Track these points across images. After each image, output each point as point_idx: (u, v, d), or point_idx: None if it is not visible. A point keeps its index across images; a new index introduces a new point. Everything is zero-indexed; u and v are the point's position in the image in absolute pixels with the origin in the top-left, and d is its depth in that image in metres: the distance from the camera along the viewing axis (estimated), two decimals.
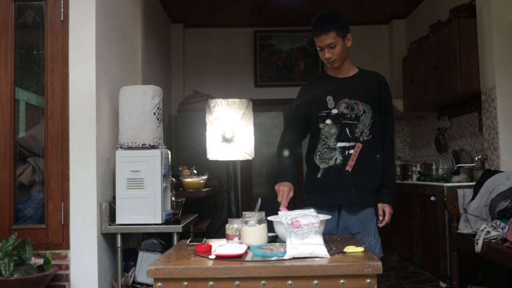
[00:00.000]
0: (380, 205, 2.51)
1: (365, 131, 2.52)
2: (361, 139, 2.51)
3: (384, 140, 2.58)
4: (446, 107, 5.27)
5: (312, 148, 2.59)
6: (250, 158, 3.81)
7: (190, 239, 2.36)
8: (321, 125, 2.55)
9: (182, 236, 3.13)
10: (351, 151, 2.50)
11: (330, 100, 2.56)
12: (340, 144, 2.51)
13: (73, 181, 2.99)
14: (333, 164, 2.51)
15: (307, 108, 2.60)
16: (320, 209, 2.33)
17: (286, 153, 2.61)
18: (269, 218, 2.31)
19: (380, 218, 2.49)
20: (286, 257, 1.91)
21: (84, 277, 2.97)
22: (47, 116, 3.02)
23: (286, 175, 2.54)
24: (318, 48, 2.54)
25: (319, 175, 2.53)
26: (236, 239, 2.22)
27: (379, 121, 2.55)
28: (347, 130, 2.51)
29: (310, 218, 2.05)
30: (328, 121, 2.54)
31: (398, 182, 5.15)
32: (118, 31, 3.64)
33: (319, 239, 1.98)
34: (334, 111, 2.53)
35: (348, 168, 2.50)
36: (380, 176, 2.54)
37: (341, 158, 2.51)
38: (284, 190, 2.46)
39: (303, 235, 1.98)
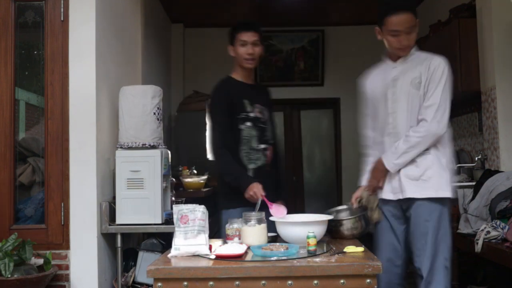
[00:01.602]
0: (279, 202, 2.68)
1: (271, 135, 2.88)
2: (270, 142, 2.86)
3: (277, 145, 2.95)
4: None
5: (233, 149, 2.74)
6: None
7: None
8: (242, 127, 2.76)
9: None
10: (267, 152, 2.81)
11: (246, 103, 2.79)
12: (262, 146, 2.78)
13: (73, 181, 2.99)
14: (261, 164, 2.78)
15: (226, 111, 2.75)
16: (242, 207, 2.55)
17: (229, 158, 2.72)
18: (270, 218, 2.31)
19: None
20: (169, 256, 2.05)
21: (84, 277, 2.97)
22: (47, 116, 3.02)
23: (248, 178, 2.67)
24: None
25: (250, 174, 2.73)
26: (236, 239, 2.23)
27: (274, 128, 2.94)
28: (265, 133, 2.81)
29: (197, 214, 2.12)
30: (248, 123, 2.76)
31: None
32: (118, 31, 3.63)
33: (202, 239, 2.07)
34: (252, 114, 2.78)
35: (268, 168, 2.81)
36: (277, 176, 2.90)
37: (264, 159, 2.79)
38: (259, 187, 2.57)
39: (187, 233, 2.07)
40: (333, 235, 2.41)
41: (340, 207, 2.68)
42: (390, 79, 2.51)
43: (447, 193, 2.41)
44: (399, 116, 2.47)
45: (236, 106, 2.75)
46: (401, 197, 2.45)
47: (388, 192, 2.50)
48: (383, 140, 2.55)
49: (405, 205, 2.47)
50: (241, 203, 2.60)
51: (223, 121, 2.75)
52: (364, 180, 2.64)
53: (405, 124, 2.46)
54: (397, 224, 2.52)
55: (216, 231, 2.84)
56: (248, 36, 2.77)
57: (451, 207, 2.51)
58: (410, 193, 2.42)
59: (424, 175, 2.41)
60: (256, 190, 2.56)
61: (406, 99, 2.45)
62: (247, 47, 2.77)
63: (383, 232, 2.56)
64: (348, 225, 2.40)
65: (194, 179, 4.29)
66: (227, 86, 2.83)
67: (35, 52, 3.18)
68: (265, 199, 2.50)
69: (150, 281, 2.98)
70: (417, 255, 2.41)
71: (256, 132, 2.77)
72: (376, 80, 2.60)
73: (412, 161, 2.43)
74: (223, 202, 2.82)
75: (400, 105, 2.47)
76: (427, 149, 2.42)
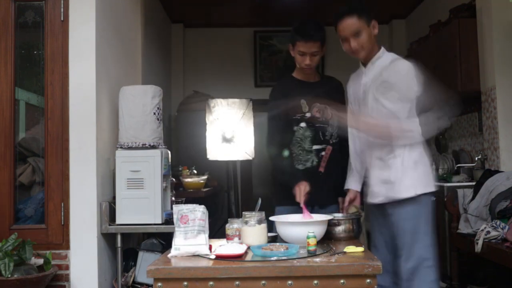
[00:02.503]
0: (340, 199, 2.74)
1: (333, 134, 2.74)
2: (331, 142, 2.74)
3: (341, 141, 2.76)
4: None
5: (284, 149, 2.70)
6: (250, 158, 3.82)
7: None
8: (295, 128, 2.70)
9: None
10: (323, 153, 2.72)
11: (304, 103, 2.71)
12: (315, 147, 2.70)
13: (73, 181, 2.99)
14: (310, 165, 2.70)
15: (281, 112, 2.70)
16: (292, 206, 2.53)
17: (286, 154, 2.71)
18: (270, 218, 2.31)
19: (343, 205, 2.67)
20: (169, 256, 2.04)
21: (84, 277, 2.97)
22: (47, 116, 3.02)
23: (296, 178, 2.60)
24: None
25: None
26: (236, 239, 2.23)
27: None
28: (320, 133, 2.71)
29: (197, 214, 2.12)
30: (303, 124, 2.69)
31: None
32: (118, 31, 3.63)
33: (202, 239, 2.06)
34: (308, 115, 2.70)
35: (321, 169, 2.71)
36: (342, 176, 2.73)
37: (316, 160, 2.71)
38: (301, 189, 2.51)
39: (187, 233, 2.07)
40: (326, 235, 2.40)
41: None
42: (361, 83, 2.54)
43: (418, 190, 2.38)
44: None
45: (292, 107, 2.69)
46: (377, 201, 2.47)
47: (369, 196, 2.53)
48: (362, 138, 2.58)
49: (388, 207, 2.48)
50: (291, 202, 2.55)
51: (276, 123, 2.72)
52: (351, 183, 2.67)
53: None
54: (383, 225, 2.54)
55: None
56: (307, 48, 2.64)
57: (434, 205, 2.49)
58: (382, 198, 2.44)
59: (391, 177, 2.41)
60: (298, 191, 2.51)
61: (373, 103, 2.45)
62: (304, 57, 2.68)
63: (376, 235, 2.60)
64: (340, 228, 2.40)
65: (194, 179, 4.29)
66: (285, 87, 2.80)
67: (35, 52, 3.18)
68: (303, 204, 2.45)
69: (150, 281, 2.98)
70: (398, 258, 2.42)
71: (311, 132, 2.70)
72: (354, 85, 2.64)
73: (383, 165, 2.44)
74: (276, 198, 2.79)
75: (367, 110, 2.48)
76: (393, 153, 2.41)
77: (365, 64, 2.53)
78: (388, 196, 2.42)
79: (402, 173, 2.40)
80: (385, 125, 2.39)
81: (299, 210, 2.46)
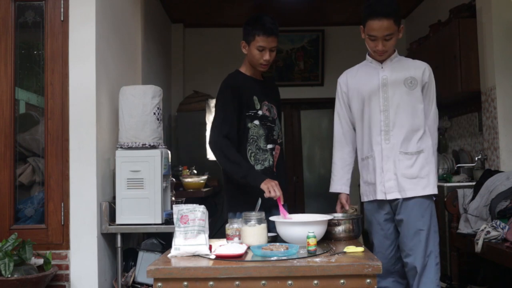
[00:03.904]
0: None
1: (279, 134, 2.71)
2: (278, 142, 2.70)
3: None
4: (446, 107, 5.27)
5: (240, 148, 2.58)
6: None
7: None
8: (249, 125, 2.60)
9: None
10: (274, 153, 2.67)
11: (256, 100, 2.63)
12: (269, 146, 2.64)
13: (73, 181, 2.99)
14: (268, 165, 2.63)
15: (237, 107, 2.58)
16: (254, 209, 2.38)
17: (234, 152, 2.53)
18: (271, 218, 2.31)
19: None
20: (169, 256, 2.04)
21: (84, 277, 2.97)
22: (47, 116, 3.02)
23: (258, 173, 2.53)
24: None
25: None
26: (236, 239, 2.23)
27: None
28: (273, 132, 2.66)
29: (197, 214, 2.11)
30: (256, 122, 2.61)
31: None
32: (118, 31, 3.63)
33: (202, 239, 2.06)
34: (260, 112, 2.62)
35: (274, 169, 2.66)
36: (285, 178, 2.74)
37: (271, 160, 2.64)
38: (276, 183, 2.41)
39: (187, 233, 2.07)
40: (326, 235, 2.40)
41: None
42: (380, 78, 2.53)
43: (436, 190, 2.49)
44: (392, 113, 2.49)
45: (246, 103, 2.59)
46: (399, 196, 2.46)
47: (380, 193, 2.51)
48: (363, 134, 2.58)
49: (395, 204, 2.49)
50: (247, 207, 2.36)
51: (230, 117, 2.54)
52: (341, 186, 2.67)
53: (397, 121, 2.48)
54: (384, 223, 2.55)
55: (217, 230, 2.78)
56: (267, 42, 2.56)
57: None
58: (411, 192, 2.45)
59: (421, 172, 2.46)
60: (274, 185, 2.37)
61: (399, 97, 2.49)
62: (264, 52, 2.58)
63: (373, 231, 2.62)
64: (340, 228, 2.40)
65: (194, 179, 4.29)
66: (238, 81, 2.65)
67: (35, 52, 3.18)
68: (279, 200, 2.38)
69: (150, 281, 2.98)
70: (410, 253, 2.44)
71: (263, 131, 2.62)
72: (362, 79, 2.60)
73: (409, 160, 2.46)
74: (230, 204, 2.65)
75: (392, 103, 2.49)
76: (421, 148, 2.48)
77: (382, 60, 2.56)
78: (414, 191, 2.44)
79: (431, 169, 2.48)
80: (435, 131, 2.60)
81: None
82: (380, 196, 2.50)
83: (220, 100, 2.64)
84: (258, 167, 2.59)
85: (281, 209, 2.38)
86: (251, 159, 2.59)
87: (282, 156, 2.73)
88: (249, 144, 2.59)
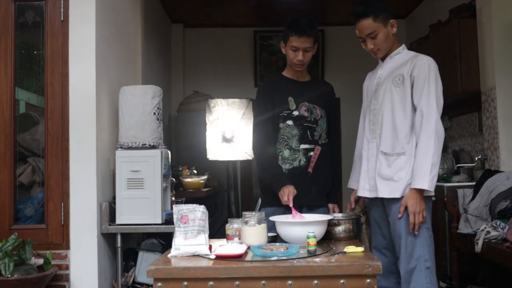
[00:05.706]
0: (331, 205, 2.73)
1: (322, 134, 2.69)
2: (320, 142, 2.68)
3: (332, 144, 2.77)
4: (446, 107, 5.22)
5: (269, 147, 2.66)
6: (250, 158, 3.82)
7: None
8: (281, 125, 2.65)
9: None
10: (311, 153, 2.66)
11: (291, 101, 2.66)
12: (303, 146, 2.64)
13: (73, 181, 2.99)
14: (297, 165, 2.64)
15: (269, 108, 2.66)
16: (278, 207, 2.52)
17: (271, 151, 2.65)
18: (271, 218, 2.31)
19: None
20: (169, 256, 2.04)
21: (84, 277, 2.97)
22: (47, 116, 3.02)
23: (282, 180, 2.57)
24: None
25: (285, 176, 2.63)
26: (236, 239, 2.23)
27: (331, 127, 2.75)
28: (308, 133, 2.65)
29: (197, 214, 2.12)
30: (289, 122, 2.64)
31: None
32: (118, 31, 3.63)
33: (202, 239, 2.07)
34: (295, 113, 2.65)
35: (310, 169, 2.65)
36: (331, 178, 2.74)
37: (304, 160, 2.64)
38: (290, 191, 2.47)
39: (187, 233, 2.07)
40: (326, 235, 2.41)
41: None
42: (376, 77, 2.56)
43: (406, 193, 2.38)
44: (378, 112, 2.50)
45: (279, 104, 2.65)
46: (375, 195, 2.47)
47: (365, 190, 2.52)
48: (365, 132, 2.60)
49: (386, 204, 2.48)
50: (276, 203, 2.55)
51: (263, 119, 2.66)
52: (353, 183, 2.68)
53: (382, 120, 2.47)
54: (382, 220, 2.54)
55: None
56: (300, 43, 2.59)
57: (432, 205, 2.50)
58: (381, 193, 2.44)
59: (396, 175, 2.40)
60: (284, 194, 2.46)
61: (384, 95, 2.47)
62: (297, 53, 2.61)
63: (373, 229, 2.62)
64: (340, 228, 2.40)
65: (194, 179, 4.29)
66: (273, 83, 2.74)
67: (35, 52, 3.18)
68: (292, 206, 2.41)
69: (150, 281, 2.98)
70: (398, 256, 2.42)
71: (298, 131, 2.64)
72: (368, 81, 2.68)
73: (386, 161, 2.43)
74: (262, 199, 2.72)
75: (378, 102, 2.50)
76: (403, 151, 2.40)
77: (383, 58, 2.56)
78: (383, 192, 2.43)
79: (405, 173, 2.40)
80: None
81: (286, 211, 2.43)
82: (359, 193, 2.57)
83: (254, 102, 2.79)
84: (286, 166, 2.65)
85: (293, 210, 2.39)
86: (278, 158, 2.66)
87: (325, 157, 2.70)
88: (279, 143, 2.66)
